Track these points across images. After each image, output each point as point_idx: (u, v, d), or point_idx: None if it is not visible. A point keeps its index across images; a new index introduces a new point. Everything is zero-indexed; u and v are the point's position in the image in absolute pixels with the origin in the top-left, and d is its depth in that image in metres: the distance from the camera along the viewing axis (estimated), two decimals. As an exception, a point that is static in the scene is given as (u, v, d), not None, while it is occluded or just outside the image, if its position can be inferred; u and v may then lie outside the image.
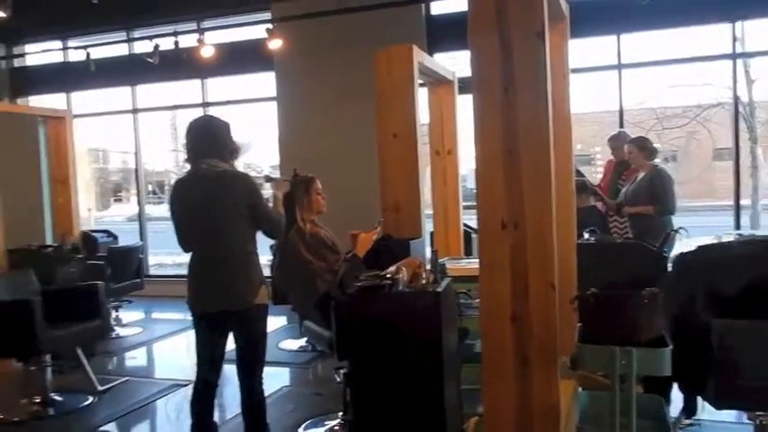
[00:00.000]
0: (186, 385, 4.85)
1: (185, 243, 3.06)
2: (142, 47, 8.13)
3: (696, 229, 4.38)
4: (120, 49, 8.67)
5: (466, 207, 5.55)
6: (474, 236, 5.29)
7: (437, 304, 2.56)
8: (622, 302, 2.57)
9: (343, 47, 7.21)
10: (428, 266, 2.97)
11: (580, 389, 3.12)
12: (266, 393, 3.27)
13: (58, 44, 9.10)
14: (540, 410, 2.37)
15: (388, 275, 2.76)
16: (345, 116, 7.24)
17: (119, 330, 6.65)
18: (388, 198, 4.43)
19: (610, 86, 7.17)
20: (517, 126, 2.34)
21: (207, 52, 6.98)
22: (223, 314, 2.99)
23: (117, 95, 9.26)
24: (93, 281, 4.94)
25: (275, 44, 6.78)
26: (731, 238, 4.04)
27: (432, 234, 5.33)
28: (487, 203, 2.39)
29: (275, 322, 6.53)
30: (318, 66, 7.44)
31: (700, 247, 2.94)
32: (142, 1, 8.17)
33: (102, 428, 4.16)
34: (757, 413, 2.78)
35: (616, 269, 3.17)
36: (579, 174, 5.24)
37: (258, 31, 7.13)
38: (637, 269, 3.15)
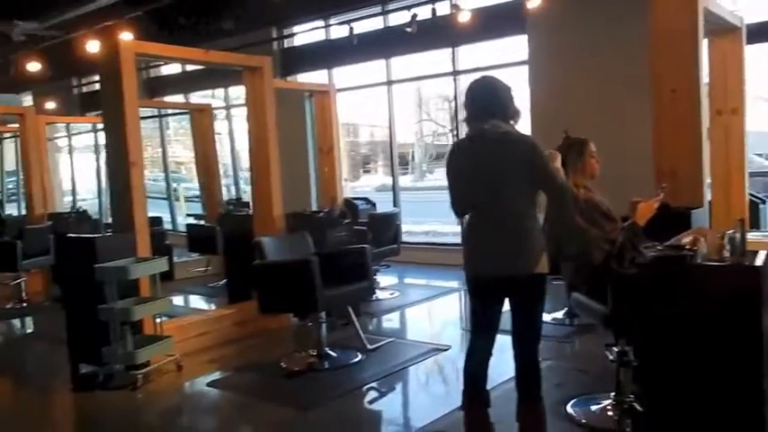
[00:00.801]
0: (446, 350, 4.92)
1: (463, 206, 2.99)
2: (397, 18, 8.37)
3: None
4: (376, 23, 8.99)
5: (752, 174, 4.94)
6: (762, 206, 4.69)
7: (756, 281, 2.20)
8: None
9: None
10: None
11: None
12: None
13: (320, 23, 9.70)
14: None
15: (687, 246, 2.45)
16: (607, 74, 6.79)
17: (378, 293, 6.96)
18: (663, 162, 4.08)
19: None
20: None
21: (464, 17, 6.92)
22: (503, 280, 2.88)
23: (371, 69, 9.62)
24: (358, 245, 5.21)
25: (533, 2, 6.51)
26: None
27: (709, 203, 4.79)
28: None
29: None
30: (578, 21, 7.00)
31: None
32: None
33: (369, 385, 4.35)
34: None
35: None
36: None
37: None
38: None
